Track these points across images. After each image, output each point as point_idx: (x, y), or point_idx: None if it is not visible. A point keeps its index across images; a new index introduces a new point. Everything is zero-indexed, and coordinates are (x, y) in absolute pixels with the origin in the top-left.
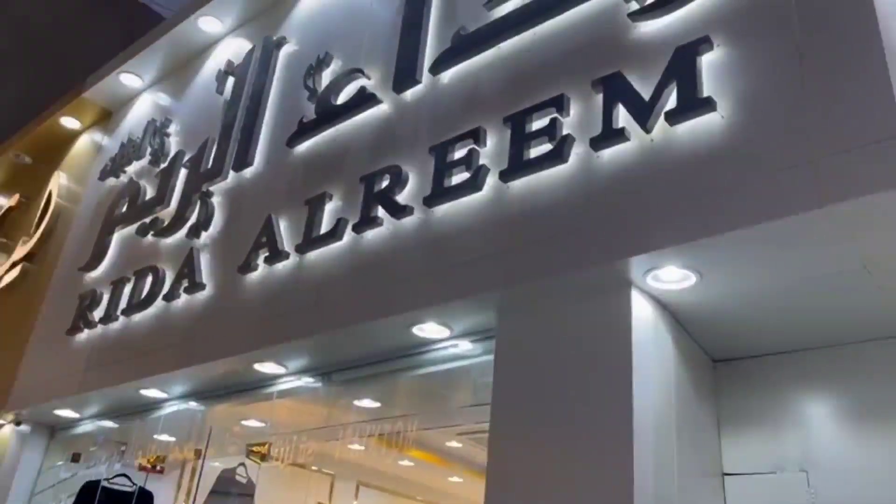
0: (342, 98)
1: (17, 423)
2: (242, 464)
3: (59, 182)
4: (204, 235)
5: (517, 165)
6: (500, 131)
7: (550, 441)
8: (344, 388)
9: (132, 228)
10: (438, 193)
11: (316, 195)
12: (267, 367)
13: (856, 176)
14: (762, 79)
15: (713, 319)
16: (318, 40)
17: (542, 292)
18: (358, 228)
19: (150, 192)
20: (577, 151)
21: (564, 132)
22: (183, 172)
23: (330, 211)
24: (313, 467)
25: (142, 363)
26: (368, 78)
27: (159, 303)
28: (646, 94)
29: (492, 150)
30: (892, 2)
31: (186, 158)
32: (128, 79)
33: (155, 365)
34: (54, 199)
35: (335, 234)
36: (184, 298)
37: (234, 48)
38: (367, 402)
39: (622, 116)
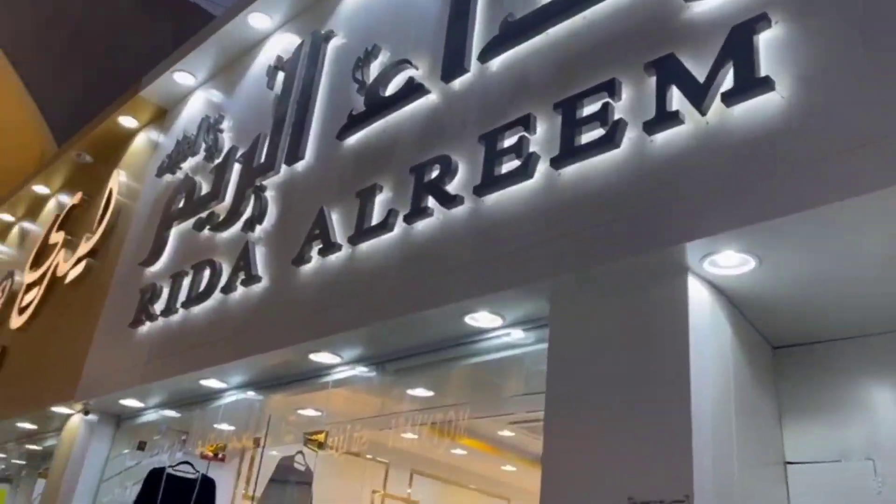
0: (391, 89)
1: (86, 413)
2: (301, 452)
3: (118, 180)
4: (258, 229)
5: (568, 152)
6: (550, 118)
7: (606, 429)
8: (397, 378)
9: (189, 223)
10: (489, 182)
11: (366, 187)
12: (322, 357)
13: None
14: (824, 55)
15: (773, 305)
16: (366, 33)
17: (595, 280)
18: (409, 219)
19: (205, 188)
20: (629, 136)
21: (616, 117)
22: (237, 167)
23: (381, 202)
24: (368, 455)
25: (201, 354)
26: (416, 68)
27: (217, 295)
28: (700, 75)
29: (542, 136)
30: None
31: (240, 154)
32: (181, 77)
33: (213, 356)
34: (114, 196)
35: (386, 225)
36: (240, 291)
37: (283, 43)
38: (420, 391)
39: (676, 99)
